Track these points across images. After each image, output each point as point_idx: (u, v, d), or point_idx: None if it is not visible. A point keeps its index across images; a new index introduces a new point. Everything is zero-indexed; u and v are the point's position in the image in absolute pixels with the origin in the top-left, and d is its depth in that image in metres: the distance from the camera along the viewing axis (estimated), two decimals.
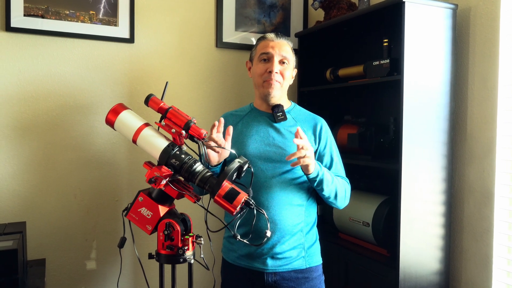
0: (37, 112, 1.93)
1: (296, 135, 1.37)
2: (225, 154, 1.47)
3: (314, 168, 1.40)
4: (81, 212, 2.03)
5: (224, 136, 1.45)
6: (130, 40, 2.09)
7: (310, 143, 1.39)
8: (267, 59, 1.53)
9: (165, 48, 2.20)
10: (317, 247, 1.60)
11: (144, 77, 2.14)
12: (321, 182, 1.43)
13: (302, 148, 1.32)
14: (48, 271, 1.95)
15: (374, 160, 1.92)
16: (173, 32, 2.21)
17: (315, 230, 1.61)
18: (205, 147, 1.32)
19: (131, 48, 2.11)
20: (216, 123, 1.41)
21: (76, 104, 2.00)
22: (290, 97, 2.43)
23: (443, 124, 1.77)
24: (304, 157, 1.33)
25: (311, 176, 1.41)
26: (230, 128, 1.45)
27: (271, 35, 1.57)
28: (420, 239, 1.73)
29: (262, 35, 1.62)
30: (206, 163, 1.41)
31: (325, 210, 2.20)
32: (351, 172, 2.16)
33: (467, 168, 1.81)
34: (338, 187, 1.50)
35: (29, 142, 1.92)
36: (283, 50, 1.54)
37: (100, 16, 2.02)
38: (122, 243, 1.33)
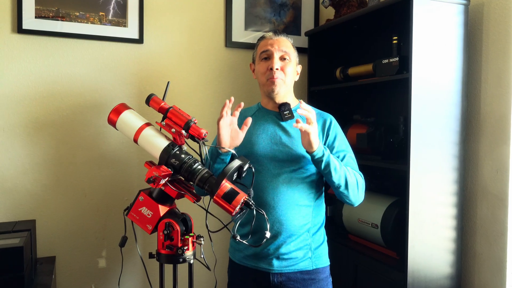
0: (48, 112, 1.96)
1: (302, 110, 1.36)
2: (239, 139, 1.44)
3: (318, 147, 1.36)
4: (91, 211, 2.06)
5: (240, 126, 1.44)
6: (139, 40, 2.10)
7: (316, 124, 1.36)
8: (268, 57, 1.53)
9: (174, 48, 2.20)
10: (325, 248, 1.57)
11: (153, 77, 2.16)
12: (327, 165, 1.38)
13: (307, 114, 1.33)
14: (59, 268, 1.99)
15: (384, 161, 1.88)
16: (182, 32, 2.22)
17: (322, 231, 1.58)
18: (205, 147, 1.31)
19: (140, 48, 2.12)
20: (227, 102, 1.39)
21: (86, 104, 2.03)
22: (300, 96, 2.42)
23: (454, 124, 1.71)
24: (308, 123, 1.32)
25: (315, 154, 1.36)
26: (249, 120, 1.44)
27: (269, 34, 1.58)
28: (430, 242, 1.68)
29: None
30: (218, 149, 1.40)
31: (334, 211, 2.17)
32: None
33: (480, 169, 1.75)
34: (348, 175, 1.43)
35: (40, 142, 1.95)
36: (283, 45, 1.53)
37: (110, 17, 2.04)
38: (123, 242, 1.34)
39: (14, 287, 1.39)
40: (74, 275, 2.03)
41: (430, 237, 1.68)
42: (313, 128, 1.33)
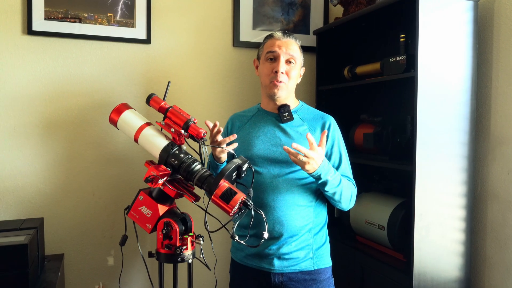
0: (58, 112, 1.99)
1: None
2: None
3: (315, 171, 1.35)
4: (99, 210, 2.09)
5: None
6: (147, 41, 2.12)
7: (317, 150, 1.33)
8: (274, 58, 1.52)
9: (181, 48, 2.21)
10: (327, 249, 1.56)
11: (161, 77, 2.17)
12: (324, 184, 1.39)
13: (300, 153, 1.31)
14: (67, 266, 2.02)
15: (391, 161, 1.84)
16: (190, 32, 2.23)
17: (325, 232, 1.57)
18: (205, 147, 1.31)
19: (148, 49, 2.14)
20: (210, 124, 1.41)
21: (94, 104, 2.06)
22: (308, 95, 2.40)
23: (463, 124, 1.67)
24: (304, 156, 1.30)
25: (313, 174, 1.37)
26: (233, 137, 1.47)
27: (278, 34, 1.55)
28: (437, 244, 1.64)
29: (270, 32, 1.60)
30: (214, 161, 1.41)
31: (342, 212, 2.14)
32: (367, 173, 2.10)
33: (490, 170, 1.70)
34: (344, 190, 1.45)
35: (50, 141, 1.99)
36: (290, 49, 1.51)
37: (118, 18, 2.06)
38: (123, 240, 1.35)
39: (19, 284, 1.41)
40: (82, 273, 2.06)
41: (438, 240, 1.64)
42: (307, 160, 1.31)
